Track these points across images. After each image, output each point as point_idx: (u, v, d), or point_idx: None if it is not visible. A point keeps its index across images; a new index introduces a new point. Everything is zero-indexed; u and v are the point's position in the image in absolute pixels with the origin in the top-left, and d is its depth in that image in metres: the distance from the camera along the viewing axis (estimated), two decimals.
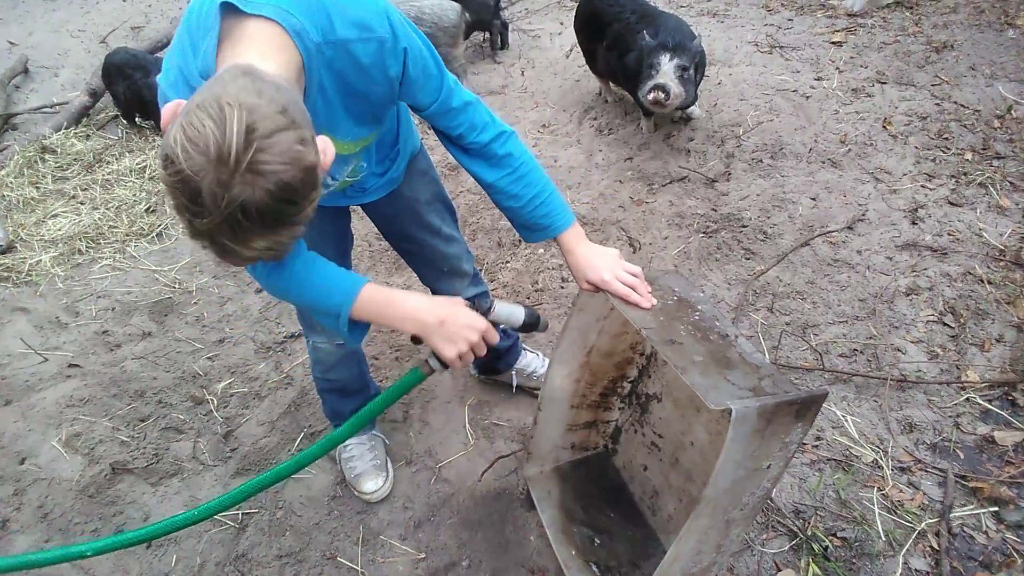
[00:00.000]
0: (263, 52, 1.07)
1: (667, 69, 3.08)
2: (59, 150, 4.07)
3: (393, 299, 1.37)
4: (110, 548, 1.49)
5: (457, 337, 1.35)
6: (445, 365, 1.38)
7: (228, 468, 2.22)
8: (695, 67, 3.18)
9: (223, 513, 2.05)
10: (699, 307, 1.55)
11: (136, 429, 2.37)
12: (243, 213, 0.92)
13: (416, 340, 1.38)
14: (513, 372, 2.31)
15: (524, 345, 2.38)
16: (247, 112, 0.90)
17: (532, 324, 1.48)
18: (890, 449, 2.03)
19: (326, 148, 1.06)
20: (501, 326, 1.45)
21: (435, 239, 1.89)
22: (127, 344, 2.76)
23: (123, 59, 4.09)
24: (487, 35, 4.85)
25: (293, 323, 2.76)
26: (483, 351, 1.39)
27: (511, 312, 1.44)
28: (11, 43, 5.61)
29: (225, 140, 0.89)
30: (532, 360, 2.33)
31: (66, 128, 4.28)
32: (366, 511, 2.06)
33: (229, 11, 1.09)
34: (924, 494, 1.91)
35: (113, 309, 2.94)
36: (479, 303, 1.40)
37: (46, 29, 5.84)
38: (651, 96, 3.07)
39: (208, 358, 2.66)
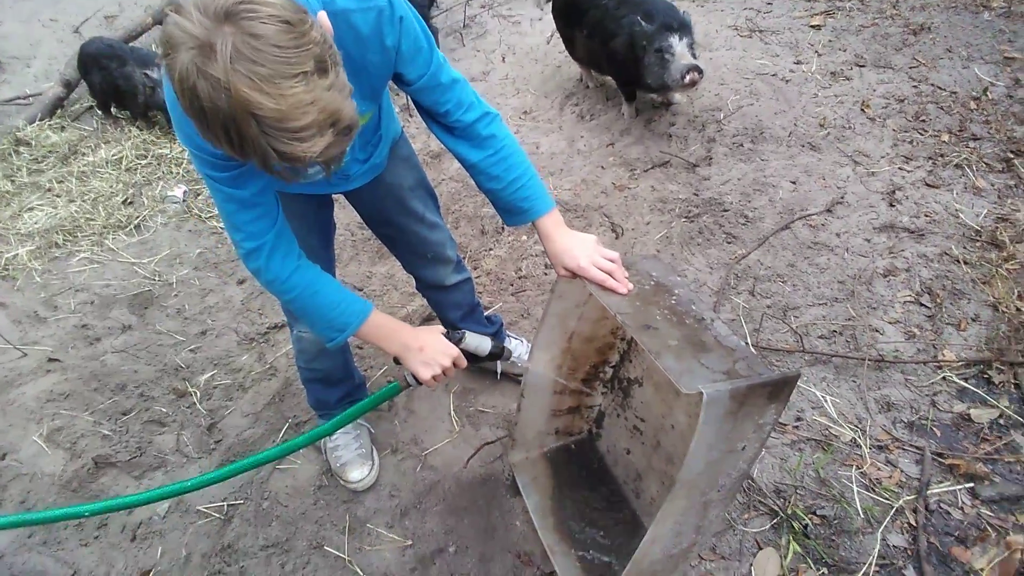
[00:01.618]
0: None
1: (683, 49, 3.10)
2: (33, 142, 4.00)
3: (391, 326, 1.55)
4: (102, 511, 1.53)
5: (432, 361, 1.53)
6: (419, 382, 1.56)
7: (212, 460, 2.22)
8: None
9: (208, 504, 2.05)
10: (676, 291, 1.56)
11: (118, 423, 2.36)
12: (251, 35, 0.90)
13: (397, 361, 1.57)
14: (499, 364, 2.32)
15: (509, 332, 2.39)
16: None
17: (496, 354, 1.67)
18: (868, 428, 2.06)
19: (324, 21, 1.07)
20: (471, 351, 1.63)
21: (418, 225, 1.89)
22: (107, 337, 2.73)
23: (98, 49, 4.02)
24: (463, 22, 4.82)
25: (276, 314, 2.75)
26: (452, 374, 1.57)
27: (479, 343, 1.63)
28: None
29: None
30: (516, 346, 2.34)
31: (40, 120, 4.21)
32: (352, 500, 2.06)
33: None
34: (902, 471, 1.95)
35: (92, 302, 2.91)
36: (452, 334, 1.58)
37: (17, 19, 5.71)
38: (688, 78, 3.07)
39: (190, 350, 2.64)
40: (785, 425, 2.09)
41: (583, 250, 1.52)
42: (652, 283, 1.58)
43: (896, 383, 2.18)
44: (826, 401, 2.14)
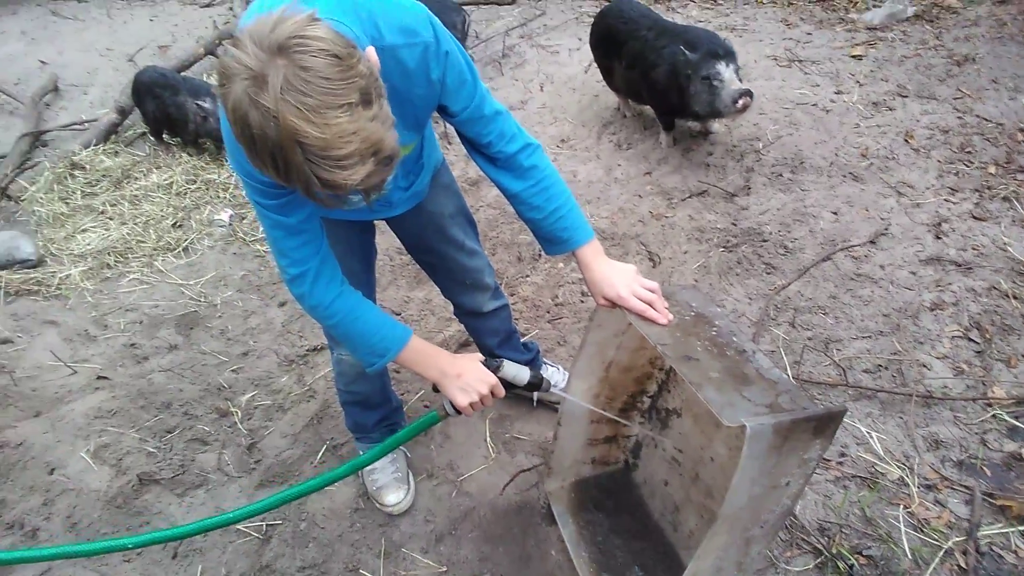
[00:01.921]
0: None
1: (731, 75, 3.12)
2: (88, 166, 4.16)
3: (429, 353, 1.56)
4: (146, 543, 1.56)
5: (470, 388, 1.52)
6: (458, 411, 1.56)
7: (252, 479, 2.25)
8: None
9: (247, 524, 2.08)
10: (716, 322, 1.55)
11: (163, 440, 2.41)
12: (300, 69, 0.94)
13: (436, 388, 1.57)
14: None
15: (545, 360, 2.39)
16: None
17: (535, 384, 1.66)
18: (916, 466, 2.01)
19: (371, 55, 1.10)
20: (508, 381, 1.62)
21: (458, 253, 1.91)
22: (154, 357, 2.81)
23: (152, 78, 4.19)
24: (502, 51, 4.90)
25: (315, 336, 2.79)
26: (490, 402, 1.56)
27: (517, 372, 1.61)
28: (42, 62, 5.76)
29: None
30: (552, 374, 2.34)
31: (95, 145, 4.38)
32: (388, 524, 2.07)
33: None
34: (951, 512, 1.89)
35: (141, 322, 3.00)
36: (490, 362, 1.58)
37: (76, 48, 5.99)
38: (741, 103, 3.08)
39: (233, 370, 2.70)
40: (829, 461, 2.05)
41: (622, 279, 1.53)
42: (692, 314, 1.57)
43: (945, 420, 2.13)
44: (872, 437, 2.09)
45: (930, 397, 2.18)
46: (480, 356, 1.59)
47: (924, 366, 2.30)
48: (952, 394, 2.19)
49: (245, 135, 0.98)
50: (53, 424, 2.51)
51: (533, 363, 2.29)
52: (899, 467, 2.01)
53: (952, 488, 1.95)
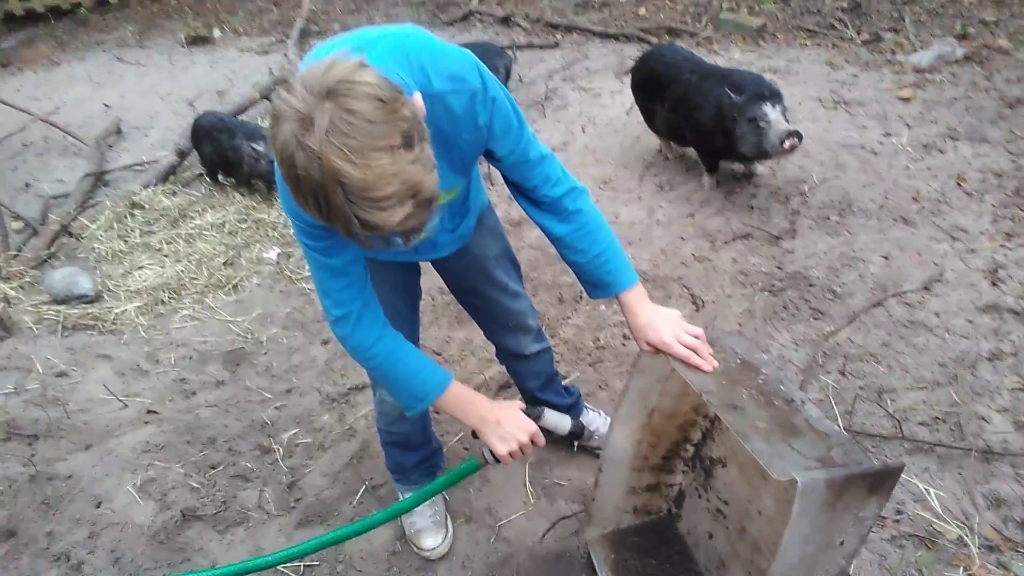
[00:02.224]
0: None
1: (777, 116, 3.11)
2: (147, 205, 4.33)
3: (469, 398, 1.56)
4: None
5: (509, 437, 1.52)
6: (497, 460, 1.55)
7: (291, 518, 2.26)
8: None
9: (287, 566, 2.08)
10: (763, 370, 1.51)
11: (207, 476, 2.44)
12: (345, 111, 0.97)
13: (475, 434, 1.57)
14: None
15: (586, 404, 2.37)
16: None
17: (577, 434, 1.65)
18: (976, 525, 1.91)
19: (417, 101, 1.12)
20: (549, 430, 1.61)
21: (502, 295, 1.92)
22: (202, 392, 2.87)
23: (211, 122, 4.37)
24: (545, 94, 4.98)
25: (357, 375, 2.82)
26: (530, 451, 1.55)
27: (559, 421, 1.61)
28: (106, 105, 6.07)
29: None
30: (594, 419, 2.31)
31: (154, 185, 4.57)
32: (425, 568, 2.05)
33: None
34: (1014, 575, 1.78)
35: (191, 358, 3.08)
36: (531, 410, 1.57)
37: (137, 92, 6.30)
38: (788, 143, 3.06)
39: (276, 407, 2.74)
40: (885, 518, 1.96)
41: (667, 324, 1.52)
42: (738, 360, 1.54)
43: (1006, 476, 2.03)
44: (929, 494, 2.00)
45: (990, 452, 2.08)
46: (520, 404, 1.59)
47: (983, 419, 2.21)
48: (1013, 449, 2.09)
49: (291, 175, 1.01)
50: (102, 457, 2.57)
51: (575, 407, 2.27)
52: (958, 526, 1.91)
53: (1016, 550, 1.84)
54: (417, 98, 1.14)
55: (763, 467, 1.21)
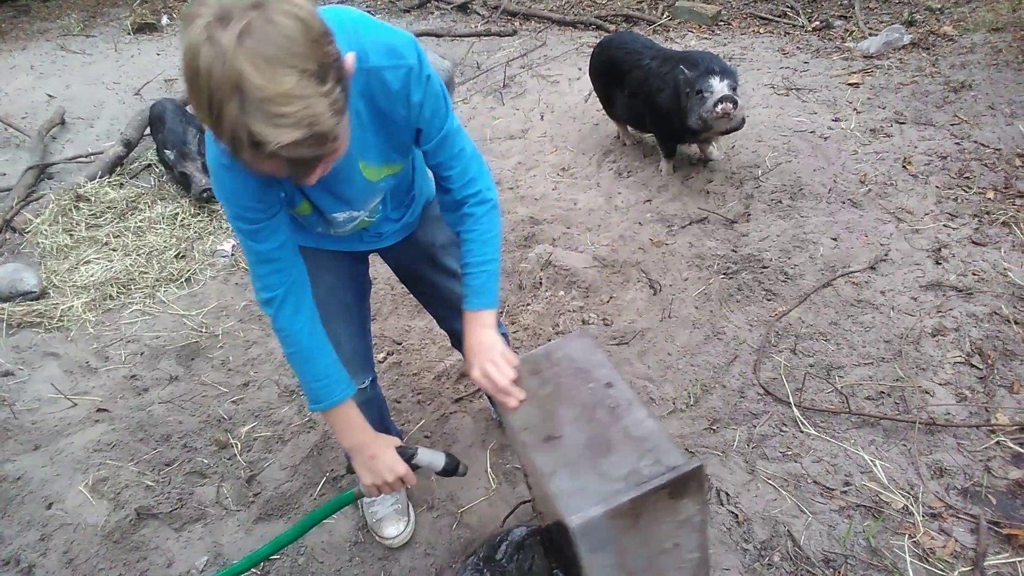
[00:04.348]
0: None
1: (721, 87, 3.13)
2: (93, 198, 4.19)
3: (353, 423, 1.59)
4: None
5: (377, 472, 1.58)
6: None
7: (251, 513, 2.23)
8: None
9: None
10: (595, 374, 1.49)
11: (161, 474, 2.40)
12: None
13: (350, 470, 1.64)
14: None
15: None
16: None
17: (451, 470, 1.67)
18: (920, 495, 1.98)
19: (349, 60, 1.10)
20: (424, 467, 1.65)
21: (451, 281, 1.91)
22: (154, 388, 2.80)
23: (165, 108, 4.27)
24: (503, 81, 4.96)
25: None
26: (399, 488, 1.61)
27: (432, 459, 1.64)
28: (49, 96, 5.85)
29: None
30: None
31: (100, 177, 4.42)
32: (388, 557, 2.05)
33: None
34: (956, 541, 1.86)
35: (142, 354, 3.00)
36: (404, 450, 1.61)
37: (82, 82, 6.08)
38: (720, 108, 3.09)
39: (232, 401, 2.69)
40: (833, 490, 2.03)
41: (477, 359, 1.51)
42: (571, 370, 1.52)
43: (948, 447, 2.11)
44: (875, 465, 2.07)
45: (933, 424, 2.16)
46: (398, 442, 1.61)
47: (927, 392, 2.29)
48: (955, 421, 2.17)
49: (191, 69, 0.96)
50: (52, 457, 2.50)
51: None
52: (903, 496, 1.98)
53: (957, 517, 1.92)
54: (350, 57, 1.11)
55: (561, 511, 1.22)
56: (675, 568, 1.38)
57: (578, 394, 1.46)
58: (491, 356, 1.51)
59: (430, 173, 1.64)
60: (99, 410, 2.71)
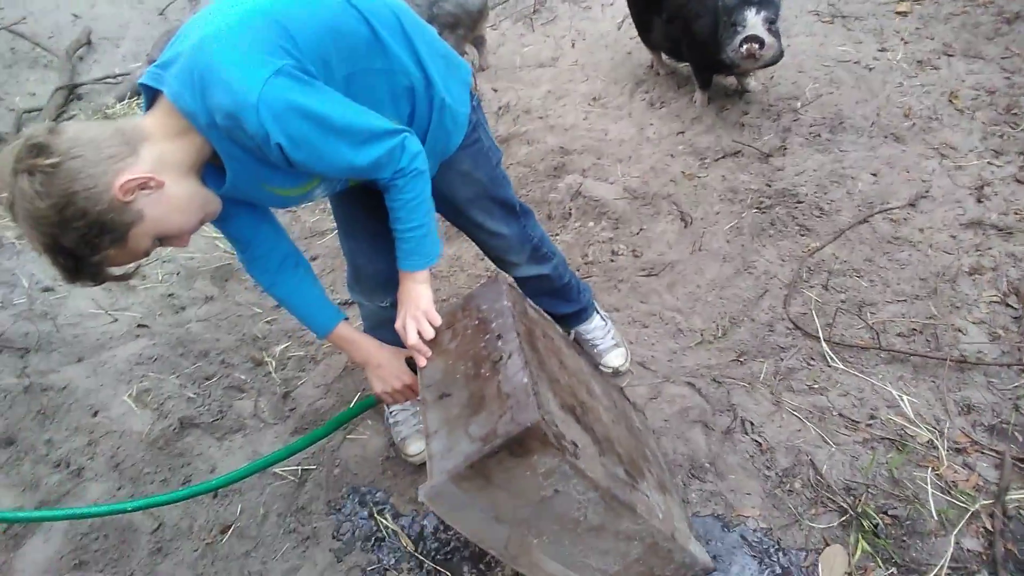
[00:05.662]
0: (163, 123, 1.30)
1: (755, 21, 2.98)
2: (122, 119, 4.20)
3: (355, 339, 1.74)
4: (181, 498, 1.74)
5: (385, 381, 1.72)
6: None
7: (287, 427, 2.32)
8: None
9: (283, 467, 2.15)
10: (492, 325, 1.48)
11: (201, 387, 2.48)
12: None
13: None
14: (572, 333, 2.32)
15: (598, 308, 2.35)
16: None
17: None
18: (946, 430, 2.00)
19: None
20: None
21: (477, 232, 1.93)
22: (191, 307, 2.87)
23: None
24: (533, 7, 4.80)
25: (345, 291, 2.83)
26: (409, 396, 1.76)
27: None
28: (75, 16, 5.78)
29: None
30: (596, 327, 2.31)
31: (128, 98, 4.42)
32: (418, 473, 2.12)
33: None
34: (979, 475, 1.88)
35: (178, 273, 3.06)
36: (412, 361, 1.64)
37: (107, 1, 5.99)
38: (744, 48, 2.96)
39: (267, 322, 2.76)
40: (858, 423, 2.05)
41: (403, 311, 1.58)
42: (476, 322, 1.52)
43: (978, 385, 2.11)
44: (903, 400, 2.08)
45: (964, 362, 2.16)
46: (408, 353, 1.65)
47: (959, 331, 2.28)
48: (987, 359, 2.17)
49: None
50: (95, 369, 2.59)
51: (578, 315, 2.27)
52: (929, 430, 2.00)
53: (982, 452, 1.94)
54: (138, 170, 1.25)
55: (428, 474, 1.29)
56: (576, 507, 1.34)
57: (474, 348, 1.46)
58: (414, 312, 1.57)
59: (458, 126, 1.66)
60: (139, 326, 2.79)
